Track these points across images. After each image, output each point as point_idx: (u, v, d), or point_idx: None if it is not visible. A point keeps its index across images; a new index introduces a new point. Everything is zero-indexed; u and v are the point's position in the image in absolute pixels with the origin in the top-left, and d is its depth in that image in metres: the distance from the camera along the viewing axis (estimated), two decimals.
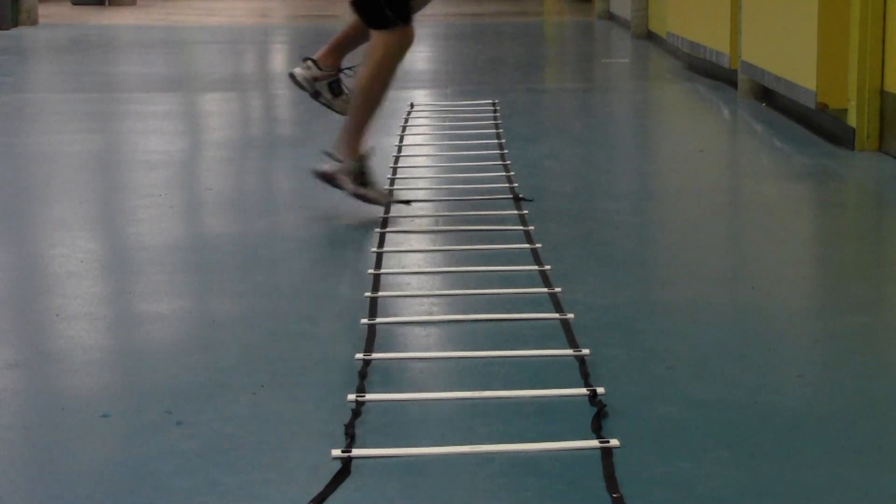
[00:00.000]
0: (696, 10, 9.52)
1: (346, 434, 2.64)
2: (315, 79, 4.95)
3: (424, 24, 14.73)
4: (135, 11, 18.58)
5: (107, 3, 19.56)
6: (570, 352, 3.17)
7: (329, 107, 5.01)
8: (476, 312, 3.53)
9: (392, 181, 5.41)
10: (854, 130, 6.10)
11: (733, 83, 8.34)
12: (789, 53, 6.80)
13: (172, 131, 7.22)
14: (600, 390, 2.88)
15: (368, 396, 2.87)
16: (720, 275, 4.06)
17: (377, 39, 4.71)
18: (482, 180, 5.41)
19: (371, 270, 3.96)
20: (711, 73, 9.13)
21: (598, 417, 2.72)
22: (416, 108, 7.62)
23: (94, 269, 4.16)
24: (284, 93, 9.39)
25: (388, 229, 4.54)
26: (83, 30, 14.82)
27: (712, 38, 8.89)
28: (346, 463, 2.51)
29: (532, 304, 3.62)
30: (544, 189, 5.29)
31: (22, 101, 8.71)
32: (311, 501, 2.35)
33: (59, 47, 12.83)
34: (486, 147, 6.22)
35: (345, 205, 5.02)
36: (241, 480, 2.45)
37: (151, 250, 4.36)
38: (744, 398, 2.87)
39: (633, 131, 7.59)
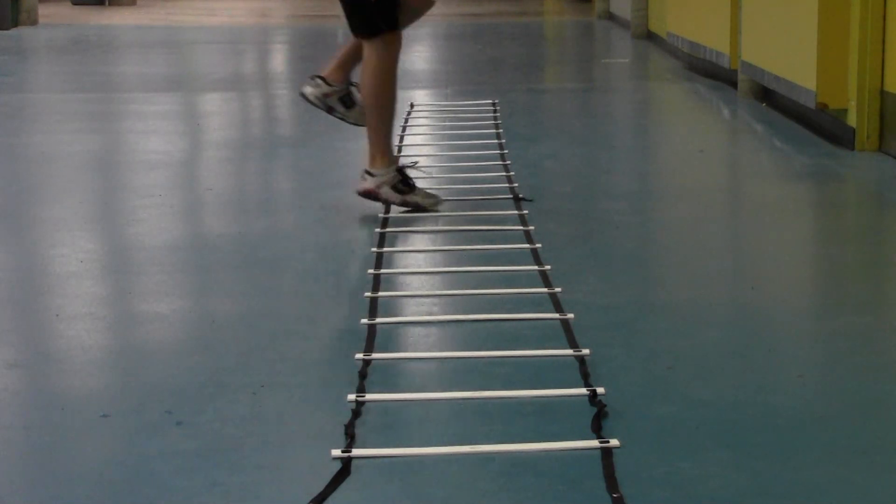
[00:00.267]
0: (696, 10, 9.52)
1: (346, 434, 2.64)
2: (326, 95, 4.98)
3: (424, 24, 14.73)
4: (135, 11, 18.58)
5: (107, 3, 19.56)
6: (570, 352, 3.17)
7: (344, 119, 5.04)
8: (476, 312, 3.53)
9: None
10: (854, 130, 6.10)
11: (733, 83, 8.34)
12: (789, 53, 6.80)
13: (172, 131, 7.22)
14: (600, 390, 2.88)
15: (368, 396, 2.87)
16: (720, 275, 4.07)
17: (368, 51, 4.77)
18: (482, 180, 5.41)
19: (371, 270, 3.96)
20: (711, 73, 9.14)
21: (598, 417, 2.72)
22: (416, 108, 7.62)
23: (94, 269, 4.16)
24: (284, 93, 9.39)
25: (388, 229, 4.54)
26: (83, 30, 14.82)
27: (712, 38, 8.89)
28: (346, 463, 2.51)
29: (532, 304, 3.62)
30: (544, 189, 5.29)
31: (22, 101, 8.71)
32: (311, 501, 2.35)
33: (59, 47, 12.83)
34: (486, 147, 6.22)
35: (344, 205, 5.02)
36: (241, 480, 2.45)
37: (151, 250, 4.36)
38: (744, 398, 2.87)
39: (633, 131, 7.59)
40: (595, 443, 2.59)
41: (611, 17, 15.46)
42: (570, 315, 3.46)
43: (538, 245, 4.25)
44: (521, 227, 4.53)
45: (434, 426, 2.75)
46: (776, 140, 6.68)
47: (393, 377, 3.04)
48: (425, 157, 6.08)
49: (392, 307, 3.60)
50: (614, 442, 2.59)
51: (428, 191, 4.91)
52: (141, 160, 6.17)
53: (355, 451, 2.55)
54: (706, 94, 8.51)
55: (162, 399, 2.89)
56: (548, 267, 3.97)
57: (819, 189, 5.48)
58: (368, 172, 4.82)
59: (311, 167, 5.97)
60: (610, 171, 5.94)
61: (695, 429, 2.69)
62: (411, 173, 4.93)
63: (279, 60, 12.70)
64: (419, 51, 12.07)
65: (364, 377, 3.00)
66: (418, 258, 4.23)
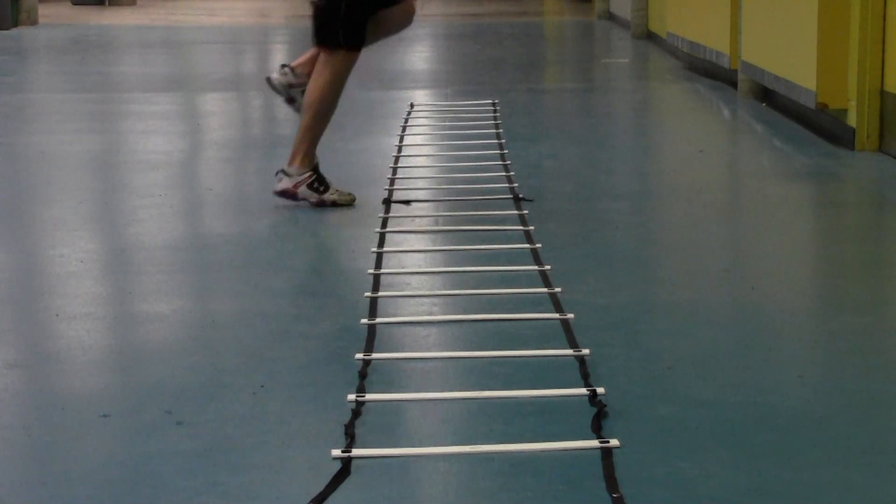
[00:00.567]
0: (696, 10, 9.52)
1: (346, 434, 2.64)
2: (290, 85, 5.11)
3: (424, 24, 14.75)
4: (135, 11, 18.59)
5: (107, 3, 19.56)
6: (570, 352, 3.17)
7: (299, 112, 5.14)
8: (476, 312, 3.53)
9: (392, 181, 5.41)
10: (854, 130, 6.10)
11: (733, 83, 8.34)
12: (789, 53, 6.80)
13: (172, 131, 7.22)
14: (600, 390, 2.88)
15: (368, 396, 2.87)
16: (720, 275, 4.07)
17: (325, 60, 4.93)
18: (482, 180, 5.41)
19: (371, 270, 3.96)
20: (711, 73, 9.13)
21: (598, 417, 2.72)
22: (416, 108, 7.62)
23: (94, 269, 4.16)
24: None
25: (388, 229, 4.54)
26: (83, 30, 14.82)
27: (712, 38, 8.89)
28: (346, 463, 2.50)
29: (532, 304, 3.62)
30: (544, 189, 5.29)
31: (22, 101, 8.71)
32: (311, 501, 2.35)
33: (59, 47, 12.84)
34: (486, 147, 6.22)
35: (345, 205, 5.02)
36: (241, 480, 2.45)
37: (151, 250, 4.36)
38: (744, 398, 2.87)
39: (633, 131, 7.59)
40: (595, 443, 2.59)
41: (611, 17, 15.46)
42: (570, 315, 3.46)
43: (538, 245, 4.25)
44: (521, 227, 4.53)
45: (434, 426, 2.75)
46: (776, 140, 6.68)
47: (393, 377, 3.04)
48: (425, 157, 6.08)
49: (392, 307, 3.60)
50: (614, 442, 2.59)
51: (341, 189, 5.02)
52: (141, 160, 6.17)
53: (355, 451, 2.55)
54: (706, 94, 8.51)
55: (162, 399, 2.89)
56: (548, 267, 3.97)
57: (819, 189, 5.48)
58: (285, 172, 4.97)
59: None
60: (610, 171, 5.94)
61: (695, 429, 2.69)
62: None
63: (279, 60, 12.68)
64: (419, 51, 12.07)
65: (364, 377, 3.00)
66: (418, 258, 4.23)
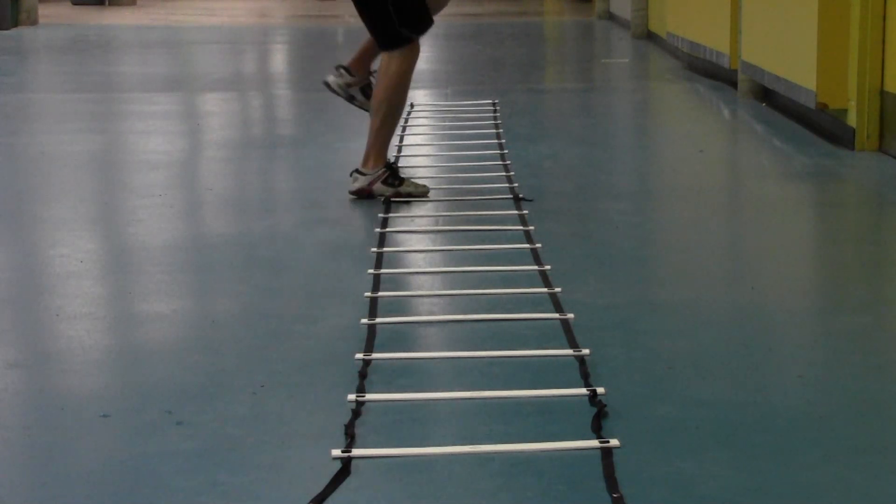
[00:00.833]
0: (696, 10, 9.52)
1: (346, 434, 2.64)
2: (348, 85, 5.28)
3: None
4: (135, 11, 18.59)
5: (107, 3, 19.56)
6: (570, 352, 3.17)
7: (363, 108, 5.33)
8: (476, 312, 3.53)
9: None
10: (854, 130, 6.10)
11: (733, 83, 8.34)
12: (789, 53, 6.80)
13: (172, 131, 7.22)
14: (600, 390, 2.88)
15: (368, 396, 2.87)
16: (720, 275, 4.07)
17: (391, 58, 5.00)
18: (482, 180, 5.41)
19: (371, 270, 3.96)
20: (711, 73, 9.14)
21: (598, 417, 2.72)
22: (416, 108, 7.62)
23: (94, 269, 4.16)
24: (284, 93, 9.40)
25: (388, 229, 4.54)
26: (83, 30, 14.82)
27: (712, 38, 8.89)
28: (346, 463, 2.50)
29: (532, 304, 3.62)
30: (544, 189, 5.29)
31: (22, 101, 8.71)
32: (311, 501, 2.35)
33: (59, 47, 12.84)
34: (486, 147, 6.22)
35: (344, 205, 5.02)
36: (241, 480, 2.45)
37: (151, 250, 4.36)
38: (744, 398, 2.87)
39: (633, 131, 7.59)
40: (595, 443, 2.59)
41: (611, 17, 15.46)
42: (570, 315, 3.46)
43: (538, 245, 4.25)
44: (521, 227, 4.53)
45: (434, 426, 2.75)
46: (776, 140, 6.68)
47: (393, 377, 3.04)
48: (425, 157, 6.08)
49: (392, 307, 3.60)
50: (614, 442, 2.59)
51: (416, 181, 5.12)
52: (141, 160, 6.17)
53: (355, 451, 2.55)
54: (706, 94, 8.51)
55: (162, 399, 2.89)
56: (548, 267, 3.97)
57: (819, 189, 5.48)
58: (360, 172, 5.05)
59: (311, 167, 5.97)
60: (610, 171, 5.94)
61: (695, 429, 2.69)
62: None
63: (279, 60, 12.70)
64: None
65: (364, 377, 3.00)
66: (418, 258, 4.23)
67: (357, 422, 2.72)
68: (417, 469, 2.51)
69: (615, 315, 3.53)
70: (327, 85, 5.31)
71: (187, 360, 3.20)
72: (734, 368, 3.10)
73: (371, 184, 5.02)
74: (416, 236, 4.52)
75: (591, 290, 3.76)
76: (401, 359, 3.17)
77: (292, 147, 6.67)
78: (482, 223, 4.63)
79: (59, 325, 3.50)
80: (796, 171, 5.83)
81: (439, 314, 3.55)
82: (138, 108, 8.04)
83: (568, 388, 2.91)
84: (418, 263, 4.16)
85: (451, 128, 6.93)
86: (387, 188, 5.01)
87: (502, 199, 5.03)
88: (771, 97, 7.63)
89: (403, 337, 3.37)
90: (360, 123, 7.08)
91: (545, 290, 3.73)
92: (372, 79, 5.26)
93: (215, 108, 8.38)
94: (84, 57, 12.01)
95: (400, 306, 3.63)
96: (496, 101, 7.81)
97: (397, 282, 3.89)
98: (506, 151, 6.07)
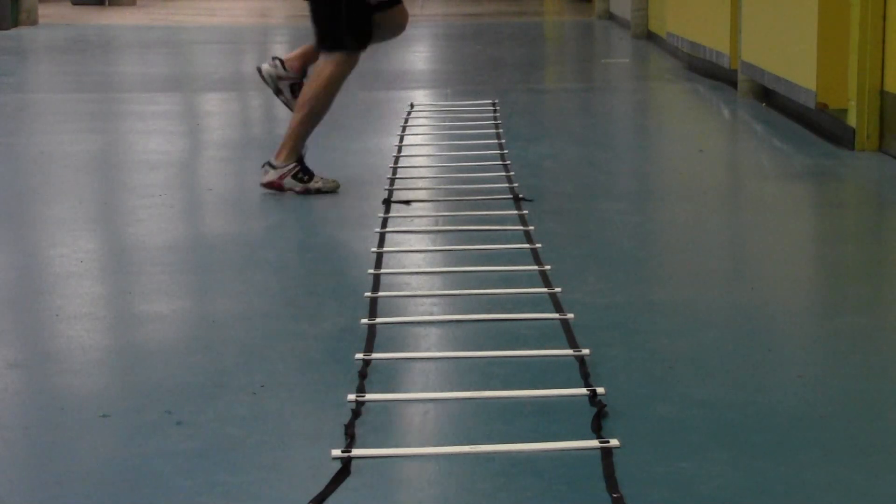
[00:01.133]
0: (696, 10, 9.52)
1: (346, 434, 2.64)
2: (280, 77, 5.32)
3: (425, 24, 14.76)
4: (135, 11, 18.59)
5: (107, 3, 19.56)
6: (570, 352, 3.17)
7: (287, 105, 5.39)
8: (476, 312, 3.53)
9: (392, 181, 5.41)
10: (854, 130, 6.10)
11: (733, 83, 8.34)
12: (789, 53, 6.80)
13: (172, 131, 7.22)
14: (600, 390, 2.88)
15: (368, 396, 2.87)
16: (720, 275, 4.06)
17: (327, 61, 5.09)
18: (482, 180, 5.41)
19: (371, 270, 3.96)
20: (711, 73, 9.13)
21: (598, 417, 2.72)
22: (416, 108, 7.62)
23: (94, 269, 4.16)
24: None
25: (388, 229, 4.54)
26: (83, 30, 14.82)
27: (712, 38, 8.89)
28: (346, 463, 2.50)
29: (532, 304, 3.62)
30: (544, 189, 5.29)
31: (22, 101, 8.71)
32: (311, 501, 2.35)
33: (59, 47, 12.84)
34: (486, 147, 6.22)
35: (344, 205, 5.02)
36: (241, 480, 2.45)
37: (151, 250, 4.36)
38: (744, 398, 2.87)
39: (633, 131, 7.59)
40: (595, 443, 2.59)
41: (611, 17, 15.46)
42: (570, 315, 3.46)
43: (538, 245, 4.25)
44: (521, 227, 4.53)
45: (434, 426, 2.75)
46: (776, 140, 6.68)
47: (393, 377, 3.04)
48: (425, 157, 6.08)
49: (392, 307, 3.60)
50: (614, 442, 2.59)
51: (325, 177, 5.21)
52: (141, 160, 6.17)
53: (355, 451, 2.55)
54: (706, 94, 8.51)
55: (162, 399, 2.89)
56: (548, 267, 3.97)
57: (819, 189, 5.48)
58: (271, 165, 5.16)
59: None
60: (610, 171, 5.94)
61: (695, 429, 2.69)
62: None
63: None
64: (419, 51, 12.07)
65: (364, 377, 3.00)
66: (418, 258, 4.23)
67: (357, 422, 2.72)
68: (417, 469, 2.51)
69: (615, 315, 3.53)
70: (259, 71, 5.36)
71: (187, 360, 3.20)
72: (734, 368, 3.10)
73: (281, 177, 5.13)
74: (416, 236, 4.52)
75: (591, 290, 3.76)
76: (401, 359, 3.17)
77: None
78: (482, 223, 4.63)
79: (59, 325, 3.50)
80: (796, 171, 5.83)
81: (439, 314, 3.55)
82: (138, 108, 8.04)
83: (568, 388, 2.91)
84: (418, 263, 4.16)
85: (451, 128, 6.93)
86: (296, 182, 5.13)
87: (502, 199, 5.03)
88: (771, 97, 7.63)
89: (403, 337, 3.37)
90: (359, 124, 7.09)
91: (545, 290, 3.73)
92: (304, 80, 5.31)
93: (215, 108, 8.38)
94: (84, 57, 12.01)
95: (400, 306, 3.63)
96: (496, 101, 7.80)
97: (397, 282, 3.89)
98: (506, 151, 6.07)
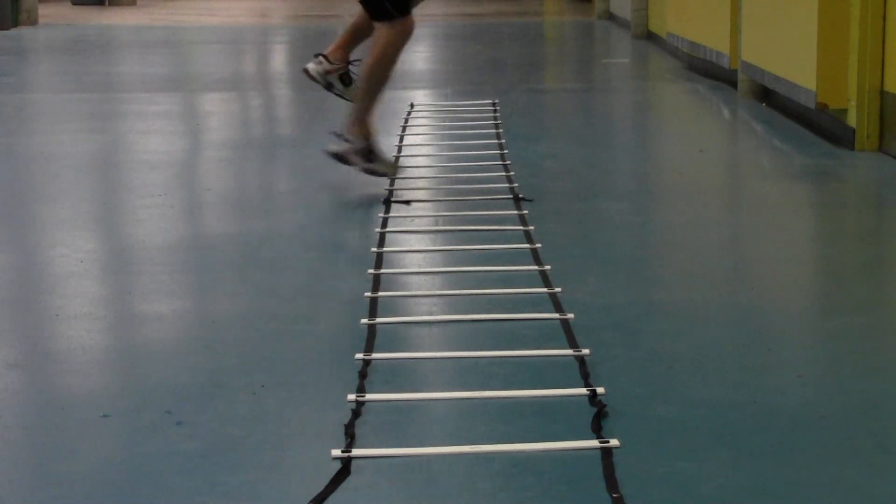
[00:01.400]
0: (696, 10, 9.52)
1: (346, 434, 2.64)
2: (327, 72, 5.40)
3: (424, 25, 14.74)
4: (135, 11, 18.59)
5: (107, 3, 19.56)
6: (570, 352, 3.17)
7: (342, 96, 5.46)
8: (476, 312, 3.53)
9: (392, 181, 5.41)
10: (854, 130, 6.10)
11: (733, 83, 8.34)
12: (789, 53, 6.80)
13: (172, 131, 7.22)
14: (600, 390, 2.88)
15: (368, 396, 2.87)
16: (720, 275, 4.07)
17: (380, 31, 5.13)
18: (482, 180, 5.41)
19: (371, 270, 3.96)
20: (711, 73, 9.14)
21: (598, 417, 2.72)
22: (416, 108, 7.62)
23: (94, 269, 4.16)
24: (284, 93, 9.40)
25: (388, 229, 4.54)
26: (83, 30, 14.82)
27: (712, 38, 8.89)
28: (346, 463, 2.51)
29: (532, 304, 3.62)
30: (544, 189, 5.29)
31: (22, 101, 8.71)
32: (311, 501, 2.35)
33: (59, 47, 12.84)
34: (486, 147, 6.22)
35: (344, 205, 5.02)
36: (241, 480, 2.45)
37: (151, 250, 4.36)
38: (744, 398, 2.87)
39: (633, 131, 7.59)
40: (595, 443, 2.59)
41: (611, 17, 15.46)
42: (570, 315, 3.46)
43: (538, 245, 4.25)
44: (521, 227, 4.53)
45: (434, 426, 2.75)
46: (776, 140, 6.68)
47: (393, 377, 3.04)
48: (425, 157, 6.08)
49: (392, 307, 3.60)
50: (614, 442, 2.59)
51: (388, 160, 5.32)
52: (141, 160, 6.17)
53: (355, 451, 2.55)
54: (706, 94, 8.51)
55: (162, 399, 2.89)
56: (548, 267, 3.97)
57: (819, 189, 5.48)
58: (343, 136, 5.21)
59: (311, 167, 5.96)
60: (610, 171, 5.94)
61: (695, 429, 2.69)
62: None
63: (279, 60, 12.70)
64: (419, 51, 12.07)
65: (364, 377, 3.00)
66: (418, 258, 4.23)
67: (357, 422, 2.72)
68: (417, 469, 2.51)
69: (615, 315, 3.53)
70: (306, 72, 5.43)
71: (187, 360, 3.20)
72: (734, 368, 3.10)
73: (348, 151, 5.18)
74: (416, 236, 4.52)
75: (591, 290, 3.76)
76: (401, 359, 3.17)
77: (292, 147, 6.66)
78: (482, 223, 4.63)
79: (59, 325, 3.50)
80: (796, 171, 5.83)
81: (439, 314, 3.55)
82: (138, 108, 8.04)
83: (568, 388, 2.91)
84: (418, 263, 4.16)
85: (451, 128, 6.93)
86: (360, 160, 5.18)
87: (502, 199, 5.03)
88: (771, 97, 7.63)
89: (403, 337, 3.37)
90: None
91: (545, 290, 3.73)
92: (351, 67, 5.39)
93: (215, 108, 8.38)
94: (84, 57, 12.01)
95: (400, 306, 3.63)
96: (496, 101, 7.81)
97: (397, 282, 3.89)
98: (506, 151, 6.07)
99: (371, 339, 3.27)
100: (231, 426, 2.72)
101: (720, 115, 7.73)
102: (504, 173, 5.54)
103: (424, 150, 6.28)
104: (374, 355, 3.15)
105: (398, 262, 4.14)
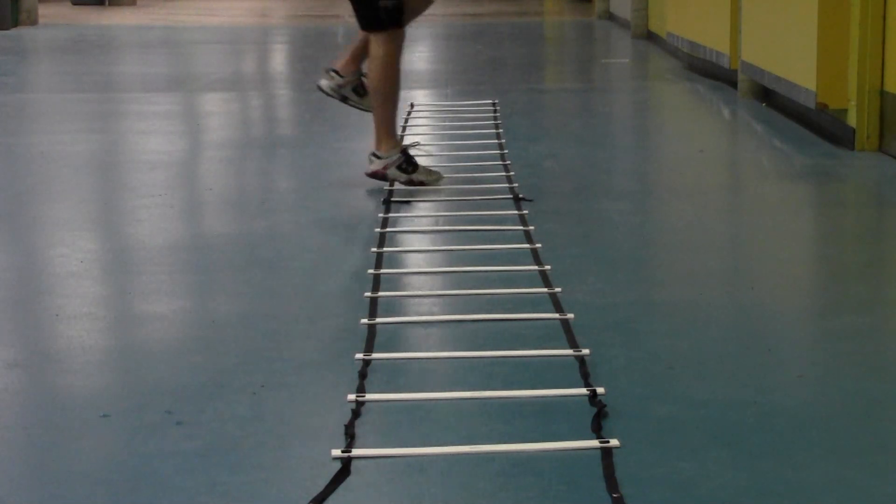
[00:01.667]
0: (696, 10, 9.52)
1: (346, 434, 2.64)
2: (340, 86, 5.44)
3: (424, 25, 14.74)
4: (135, 11, 18.59)
5: (107, 3, 19.56)
6: (570, 352, 3.17)
7: (358, 107, 5.51)
8: (476, 312, 3.53)
9: (392, 182, 5.41)
10: (854, 130, 6.10)
11: (733, 83, 8.34)
12: (789, 53, 6.80)
13: (172, 131, 7.22)
14: (600, 390, 2.88)
15: (368, 396, 2.87)
16: (720, 275, 4.06)
17: (375, 43, 5.18)
18: (482, 180, 5.41)
19: (371, 270, 3.96)
20: (711, 73, 9.13)
21: (598, 417, 2.72)
22: (416, 108, 7.62)
23: (94, 269, 4.16)
24: (284, 93, 9.40)
25: (388, 229, 4.54)
26: (83, 30, 14.82)
27: (712, 38, 8.89)
28: (346, 463, 2.51)
29: (532, 304, 3.62)
30: (544, 189, 5.29)
31: (22, 101, 8.71)
32: (311, 501, 2.35)
33: (59, 47, 12.83)
34: (486, 147, 6.22)
35: (344, 205, 5.02)
36: (241, 480, 2.45)
37: (151, 250, 4.36)
38: (744, 398, 2.87)
39: (633, 131, 7.59)
40: (595, 443, 2.59)
41: (611, 17, 15.46)
42: (570, 315, 3.46)
43: (538, 245, 4.25)
44: (521, 227, 4.53)
45: (434, 426, 2.75)
46: (776, 140, 6.68)
47: (393, 377, 3.04)
48: (425, 157, 6.08)
49: (392, 307, 3.60)
50: (614, 442, 2.59)
51: (430, 168, 5.33)
52: (141, 160, 6.17)
53: (355, 451, 2.55)
54: (706, 94, 8.51)
55: (162, 399, 2.89)
56: (548, 267, 3.97)
57: (819, 189, 5.48)
58: (375, 155, 5.23)
59: (311, 167, 5.97)
60: (610, 171, 5.94)
61: (695, 429, 2.69)
62: (413, 151, 5.31)
63: (279, 60, 12.69)
64: (419, 51, 12.07)
65: (364, 377, 3.00)
66: (418, 258, 4.23)
67: (357, 422, 2.72)
68: (417, 469, 2.51)
69: (615, 315, 3.53)
70: (320, 88, 5.46)
71: (187, 360, 3.20)
72: (734, 368, 3.10)
73: (386, 167, 5.20)
74: (417, 236, 4.52)
75: (591, 290, 3.76)
76: (401, 359, 3.17)
77: (292, 147, 6.67)
78: (482, 223, 4.63)
79: (59, 325, 3.50)
80: (796, 171, 5.83)
81: (439, 314, 3.55)
82: (138, 108, 8.04)
83: (568, 388, 2.91)
84: (418, 263, 4.16)
85: (451, 128, 6.93)
86: (400, 173, 5.20)
87: (502, 199, 5.03)
88: (771, 97, 7.63)
89: (403, 337, 3.37)
90: (359, 123, 7.09)
91: (545, 290, 3.73)
92: (363, 78, 5.40)
93: (215, 108, 8.38)
94: (84, 57, 12.01)
95: (400, 306, 3.63)
96: (496, 101, 7.81)
97: (397, 282, 3.89)
98: (506, 151, 6.07)
99: (371, 339, 3.27)
100: (231, 426, 2.72)
101: (720, 115, 7.73)
102: (504, 173, 5.54)
103: (424, 150, 6.27)
104: (374, 355, 3.15)
105: (398, 262, 4.14)
